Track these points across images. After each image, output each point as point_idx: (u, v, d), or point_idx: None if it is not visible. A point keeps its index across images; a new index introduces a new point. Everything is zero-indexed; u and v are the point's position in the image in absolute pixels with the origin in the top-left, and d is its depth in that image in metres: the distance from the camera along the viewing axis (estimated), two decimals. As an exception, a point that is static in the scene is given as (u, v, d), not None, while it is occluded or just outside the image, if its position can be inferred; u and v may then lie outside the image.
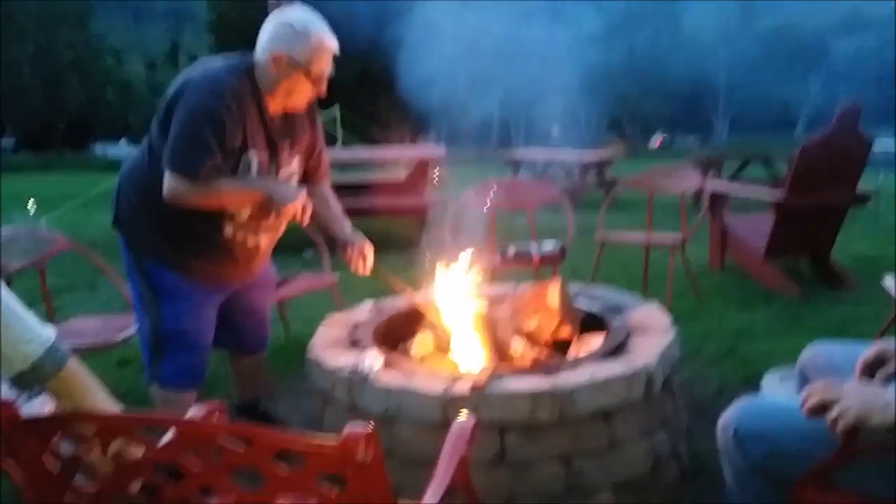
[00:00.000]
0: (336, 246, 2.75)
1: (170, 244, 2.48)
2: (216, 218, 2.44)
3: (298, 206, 2.38)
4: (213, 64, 2.42)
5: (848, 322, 4.22)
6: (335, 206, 2.80)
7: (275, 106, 2.44)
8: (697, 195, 6.95)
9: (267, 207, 2.39)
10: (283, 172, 2.54)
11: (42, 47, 23.27)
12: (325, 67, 2.39)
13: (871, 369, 1.66)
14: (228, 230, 2.49)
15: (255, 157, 2.40)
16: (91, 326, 3.21)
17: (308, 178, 2.71)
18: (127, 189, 2.54)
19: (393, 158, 10.13)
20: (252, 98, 2.37)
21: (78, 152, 23.93)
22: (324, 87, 2.43)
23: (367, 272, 2.73)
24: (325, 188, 2.80)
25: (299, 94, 2.42)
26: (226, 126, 2.29)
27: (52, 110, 24.10)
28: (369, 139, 15.68)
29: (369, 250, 2.72)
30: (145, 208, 2.48)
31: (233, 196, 2.39)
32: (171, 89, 2.38)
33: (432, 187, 7.93)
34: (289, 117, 2.51)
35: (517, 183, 5.27)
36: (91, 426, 1.24)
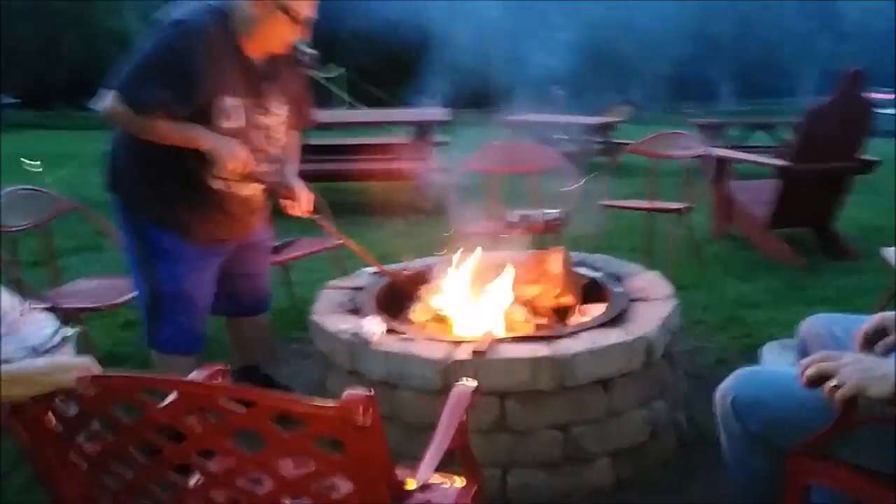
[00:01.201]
0: (277, 190, 2.68)
1: (164, 203, 2.46)
2: (205, 171, 2.41)
3: (238, 163, 2.34)
4: (193, 5, 2.36)
5: (850, 292, 4.22)
6: (292, 150, 2.74)
7: (254, 49, 2.39)
8: (701, 162, 6.91)
9: (209, 160, 2.35)
10: (269, 119, 2.50)
11: (39, 2, 22.93)
12: (309, 10, 2.35)
13: (871, 341, 1.66)
14: (219, 183, 2.46)
15: (235, 103, 2.37)
16: (95, 288, 3.22)
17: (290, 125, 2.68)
18: (118, 151, 2.52)
19: (396, 121, 10.07)
20: (230, 42, 2.34)
21: (78, 110, 23.74)
22: (305, 30, 2.39)
23: (304, 215, 2.70)
24: (294, 134, 2.75)
25: (280, 37, 2.38)
26: (189, 73, 2.24)
27: (50, 67, 23.81)
28: (373, 101, 15.58)
29: (309, 196, 2.69)
30: (137, 169, 2.46)
31: (170, 140, 2.32)
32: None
33: (435, 151, 7.87)
34: (273, 63, 2.47)
35: (520, 147, 5.23)
36: (93, 388, 1.25)
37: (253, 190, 2.56)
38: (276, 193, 2.65)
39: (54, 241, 3.31)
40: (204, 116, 2.33)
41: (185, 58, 2.24)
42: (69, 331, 2.32)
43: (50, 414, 1.26)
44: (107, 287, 3.20)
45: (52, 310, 2.73)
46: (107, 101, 2.29)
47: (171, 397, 1.20)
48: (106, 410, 1.24)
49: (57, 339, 2.19)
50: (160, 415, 1.20)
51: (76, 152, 10.50)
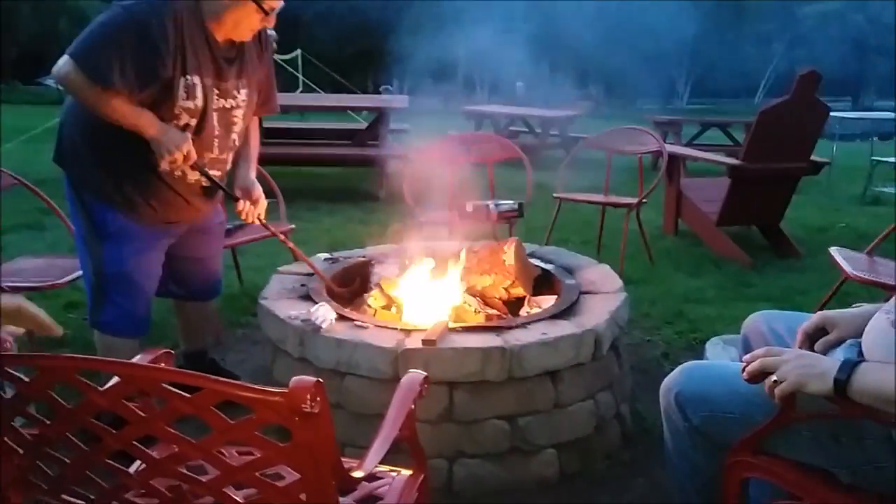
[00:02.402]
0: (232, 188, 2.66)
1: (112, 182, 2.40)
2: (150, 153, 2.35)
3: (178, 156, 2.31)
4: None
5: (793, 291, 4.34)
6: (251, 147, 2.70)
7: (220, 34, 2.36)
8: (656, 158, 7.02)
9: (152, 149, 2.32)
10: (231, 103, 2.46)
11: (-7, -25, 22.15)
12: (277, 1, 2.32)
13: (812, 338, 1.71)
14: (164, 165, 2.40)
15: (198, 82, 2.32)
16: (36, 267, 3.12)
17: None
18: (69, 124, 2.45)
19: (354, 107, 9.99)
20: (197, 22, 2.29)
21: (29, 85, 23.07)
22: (272, 20, 2.36)
23: (255, 222, 2.69)
24: (254, 127, 2.71)
25: (246, 26, 2.35)
26: (155, 44, 2.20)
27: (1, 41, 23.06)
28: (330, 86, 15.45)
29: (263, 201, 2.68)
30: (87, 144, 2.40)
31: (117, 119, 2.27)
32: None
33: (392, 138, 7.84)
34: (239, 46, 2.44)
35: (478, 137, 5.24)
36: (30, 368, 1.21)
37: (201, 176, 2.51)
38: (224, 192, 2.61)
39: (-5, 218, 3.20)
40: (165, 92, 2.28)
41: (146, 29, 2.19)
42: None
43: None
44: (49, 266, 3.11)
45: (-10, 288, 2.66)
46: (63, 66, 2.22)
47: (113, 381, 1.17)
48: (44, 393, 1.20)
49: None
50: (101, 398, 1.17)
51: (24, 127, 10.19)
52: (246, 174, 2.66)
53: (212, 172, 2.50)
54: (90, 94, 2.23)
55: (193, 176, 2.48)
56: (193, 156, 2.36)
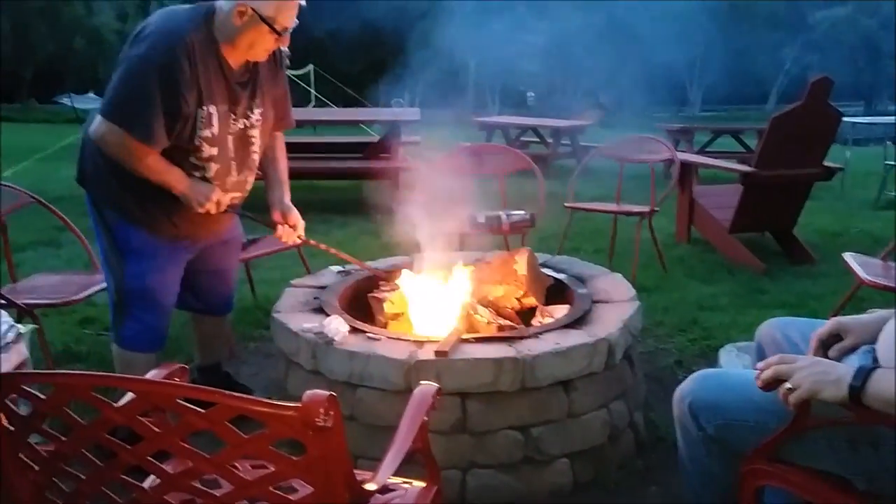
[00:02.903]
0: (269, 211, 2.69)
1: (134, 200, 2.43)
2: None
3: (210, 207, 2.38)
4: (174, 14, 2.34)
5: (807, 297, 4.31)
6: (281, 170, 2.73)
7: (235, 57, 2.38)
8: (668, 166, 7.00)
9: (183, 202, 2.39)
10: (244, 123, 2.48)
11: (11, -5, 22.46)
12: (290, 21, 2.33)
13: (826, 345, 1.70)
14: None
15: (213, 111, 2.35)
16: (52, 284, 3.16)
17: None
18: (91, 144, 2.49)
19: (366, 120, 10.03)
20: (211, 49, 2.32)
21: (45, 104, 23.36)
22: (286, 40, 2.38)
23: (296, 243, 2.72)
24: (279, 147, 2.74)
25: (261, 47, 2.36)
26: (177, 85, 2.23)
27: (19, 60, 23.33)
28: (342, 100, 15.54)
29: (301, 223, 2.70)
30: (109, 164, 2.43)
31: (149, 175, 2.34)
32: (131, 36, 2.33)
33: (404, 151, 7.87)
34: (252, 67, 2.46)
35: (489, 149, 5.25)
36: (47, 386, 1.23)
37: (224, 199, 2.52)
38: (260, 222, 2.66)
39: (11, 236, 3.24)
40: (184, 126, 2.30)
41: (169, 72, 2.22)
42: (23, 328, 2.28)
43: (1, 413, 1.23)
44: (65, 283, 3.15)
45: (6, 306, 2.69)
46: (100, 126, 2.27)
47: (128, 397, 1.18)
48: (60, 410, 1.22)
49: (11, 335, 2.16)
50: (116, 415, 1.18)
51: (39, 146, 10.31)
52: (281, 197, 2.68)
53: (232, 194, 2.53)
54: (129, 152, 2.28)
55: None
56: (225, 202, 2.42)
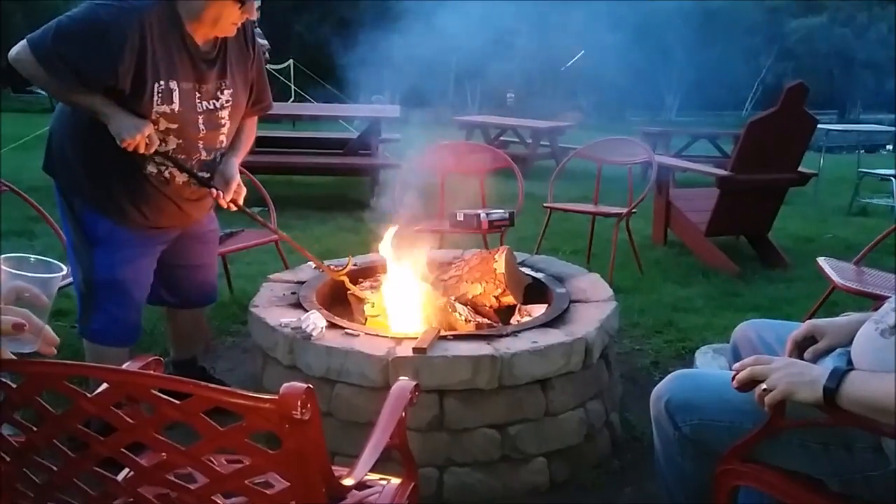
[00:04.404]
0: (201, 179, 2.57)
1: (102, 188, 2.40)
2: (137, 156, 2.34)
3: (138, 139, 2.25)
4: None
5: (781, 300, 4.36)
6: (243, 140, 2.66)
7: (201, 34, 2.34)
8: (646, 168, 7.05)
9: (111, 132, 2.28)
10: (213, 104, 2.44)
11: (-17, -18, 22.05)
12: None
13: (801, 347, 1.72)
14: (151, 168, 2.40)
15: (175, 87, 2.31)
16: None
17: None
18: (59, 132, 2.45)
19: (346, 116, 9.97)
20: (174, 26, 2.29)
21: (20, 93, 22.99)
22: (252, 10, 2.34)
23: (232, 207, 2.62)
24: (250, 123, 2.69)
25: (227, 20, 2.32)
26: (111, 49, 2.18)
27: (-11, 49, 22.86)
28: (322, 95, 15.47)
29: (241, 189, 2.62)
30: (76, 151, 2.39)
31: (77, 102, 2.29)
32: None
33: (384, 148, 7.85)
34: (220, 44, 2.42)
35: (469, 147, 5.26)
36: (17, 375, 1.20)
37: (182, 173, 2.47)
38: (201, 182, 2.52)
39: (-18, 225, 3.18)
40: (138, 99, 2.27)
41: (106, 29, 2.18)
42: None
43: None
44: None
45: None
46: (19, 49, 2.24)
47: (102, 388, 1.16)
48: (32, 400, 1.19)
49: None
50: (89, 405, 1.16)
51: (14, 135, 10.14)
52: (227, 159, 2.60)
53: (200, 174, 2.49)
54: (41, 78, 2.25)
55: (182, 178, 2.46)
56: (155, 140, 2.31)
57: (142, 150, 2.30)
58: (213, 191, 2.54)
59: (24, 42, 2.23)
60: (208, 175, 2.54)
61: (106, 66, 2.20)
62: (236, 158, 2.64)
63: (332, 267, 2.85)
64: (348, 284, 2.79)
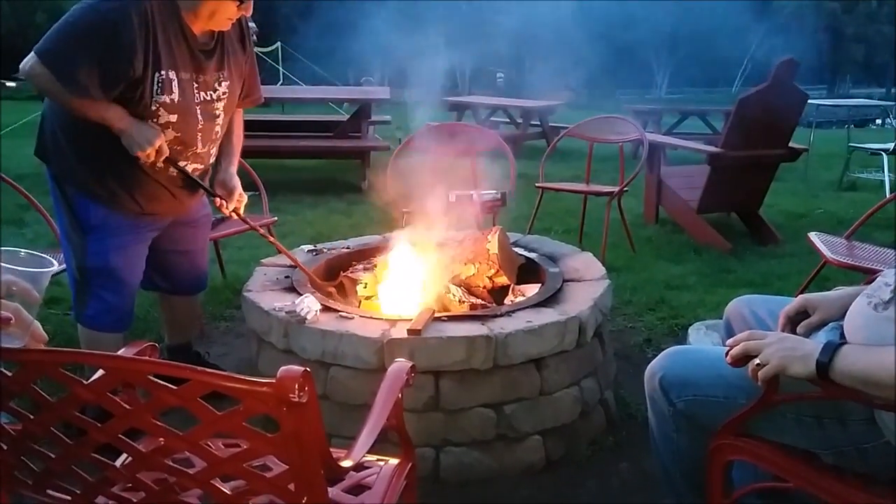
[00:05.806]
0: (212, 183, 2.65)
1: (95, 175, 2.38)
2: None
3: (150, 151, 2.28)
4: None
5: (773, 276, 4.38)
6: (234, 143, 2.68)
7: (198, 25, 2.33)
8: (637, 146, 7.04)
9: (123, 144, 2.30)
10: (210, 95, 2.43)
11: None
12: None
13: (794, 321, 1.73)
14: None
15: (174, 77, 2.30)
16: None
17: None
18: (50, 118, 2.43)
19: (336, 98, 9.92)
20: (173, 15, 2.27)
21: (7, 80, 22.77)
22: (249, 8, 2.34)
23: (234, 217, 2.69)
24: (237, 121, 2.70)
25: (223, 15, 2.32)
26: (118, 44, 2.17)
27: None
28: (311, 78, 15.36)
29: (242, 197, 2.67)
30: (69, 138, 2.38)
31: (86, 114, 2.27)
32: None
33: (374, 130, 7.82)
34: (218, 37, 2.42)
35: (460, 128, 5.24)
36: (14, 363, 1.20)
37: (186, 169, 2.48)
38: (202, 188, 2.59)
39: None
40: (139, 90, 2.25)
41: (115, 29, 2.16)
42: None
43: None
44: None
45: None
46: (29, 62, 2.21)
47: (98, 374, 1.16)
48: (27, 387, 1.19)
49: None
50: (86, 392, 1.16)
51: (2, 122, 10.05)
52: (226, 168, 2.65)
53: (194, 166, 2.49)
54: (57, 92, 2.22)
55: (174, 169, 2.45)
56: (165, 151, 2.33)
57: (152, 161, 2.32)
58: (217, 199, 2.60)
59: (34, 56, 2.19)
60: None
61: (124, 63, 2.19)
62: (233, 167, 2.66)
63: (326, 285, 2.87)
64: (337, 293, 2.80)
